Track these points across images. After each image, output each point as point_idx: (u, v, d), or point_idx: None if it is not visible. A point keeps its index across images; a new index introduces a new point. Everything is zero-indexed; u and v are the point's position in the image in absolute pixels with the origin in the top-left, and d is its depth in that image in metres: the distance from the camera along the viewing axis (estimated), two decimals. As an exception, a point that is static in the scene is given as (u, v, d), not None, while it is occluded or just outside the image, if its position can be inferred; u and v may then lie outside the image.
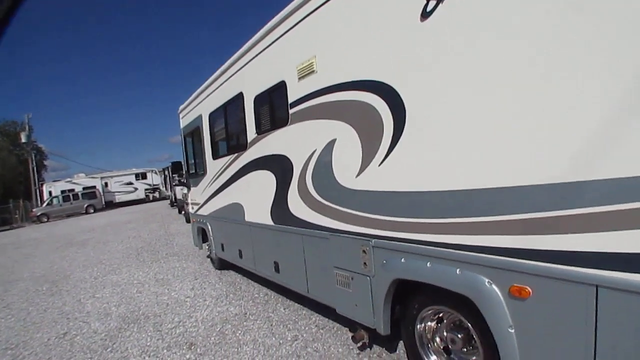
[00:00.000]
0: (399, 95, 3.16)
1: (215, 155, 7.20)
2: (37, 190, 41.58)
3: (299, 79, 4.37)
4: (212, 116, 7.14)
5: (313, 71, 4.15)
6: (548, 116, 2.21)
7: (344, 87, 3.74)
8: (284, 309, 5.67)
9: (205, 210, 8.09)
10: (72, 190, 39.17)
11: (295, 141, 4.59)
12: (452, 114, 2.76)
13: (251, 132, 5.58)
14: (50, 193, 39.15)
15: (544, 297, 2.33)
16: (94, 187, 40.19)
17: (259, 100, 5.32)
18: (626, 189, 1.92)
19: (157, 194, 44.50)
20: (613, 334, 2.06)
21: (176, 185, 21.34)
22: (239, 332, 5.03)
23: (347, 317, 4.18)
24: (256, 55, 5.24)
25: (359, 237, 3.73)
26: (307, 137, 4.34)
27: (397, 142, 3.23)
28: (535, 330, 2.42)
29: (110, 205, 41.33)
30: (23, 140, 42.59)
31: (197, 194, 8.61)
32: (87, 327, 5.87)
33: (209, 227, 8.06)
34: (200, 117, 7.72)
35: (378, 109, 3.37)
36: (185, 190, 18.11)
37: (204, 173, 7.84)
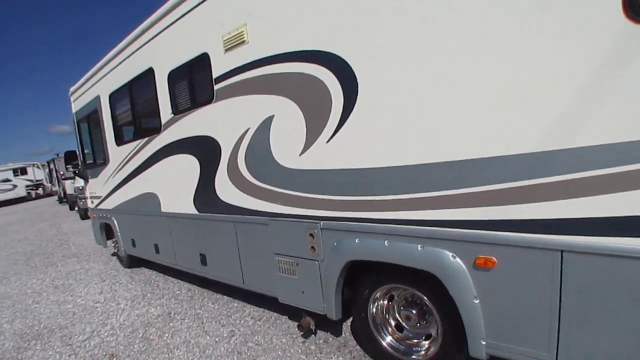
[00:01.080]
0: (350, 68, 2.94)
1: (120, 142, 6.40)
2: None
3: (226, 50, 3.92)
4: (114, 97, 6.31)
5: (243, 41, 3.72)
6: (512, 87, 2.18)
7: (284, 58, 3.40)
8: (212, 303, 5.21)
9: (109, 204, 7.23)
10: None
11: (223, 120, 4.13)
12: (410, 84, 2.62)
13: (165, 113, 4.98)
14: None
15: (510, 266, 2.35)
16: (-37, 186, 35.26)
17: (174, 76, 4.73)
18: (587, 158, 1.98)
19: (40, 191, 40.21)
20: (577, 297, 2.13)
21: (65, 179, 19.36)
22: (166, 335, 4.50)
23: (290, 305, 3.91)
24: (171, 24, 4.63)
25: (305, 220, 3.47)
26: (238, 115, 3.93)
27: (347, 116, 3.01)
28: (500, 298, 2.45)
29: (-16, 205, 36.53)
30: None
31: (97, 186, 7.66)
32: (-27, 351, 4.91)
33: (115, 222, 7.22)
34: (97, 99, 6.81)
35: (325, 82, 3.11)
36: (77, 183, 16.46)
37: (106, 162, 6.97)
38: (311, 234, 3.44)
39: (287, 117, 3.42)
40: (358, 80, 2.89)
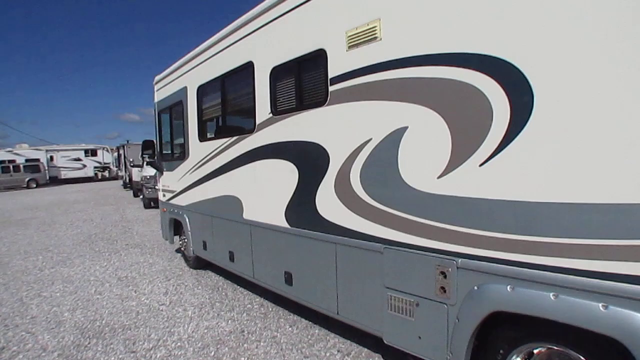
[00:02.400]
0: (525, 79, 2.31)
1: (203, 137, 6.07)
2: (-27, 159, 38.16)
3: (350, 47, 3.39)
4: (202, 90, 5.99)
5: (375, 38, 3.18)
6: None
7: (429, 60, 2.81)
8: (290, 326, 4.66)
9: (182, 200, 6.93)
10: (13, 161, 35.95)
11: (336, 127, 3.60)
12: (609, 102, 2.03)
13: (263, 112, 4.53)
14: (-13, 163, 35.81)
15: None
16: (38, 160, 37.26)
17: (278, 72, 4.28)
18: None
19: (106, 173, 41.96)
20: None
21: (134, 166, 19.77)
22: (242, 359, 3.98)
23: (397, 348, 3.29)
24: (280, 16, 4.18)
25: (436, 254, 2.86)
26: (358, 123, 3.38)
27: (514, 137, 2.39)
28: None
29: (55, 181, 38.44)
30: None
31: (171, 180, 7.41)
32: (33, 341, 4.63)
33: (187, 220, 6.90)
34: (184, 90, 6.54)
35: (486, 92, 2.49)
36: (144, 172, 16.68)
37: (184, 156, 6.67)
38: (443, 272, 2.81)
39: (426, 131, 2.83)
40: (535, 94, 2.25)
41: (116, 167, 41.01)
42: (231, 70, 5.16)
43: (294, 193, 4.15)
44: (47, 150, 39.57)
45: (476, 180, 2.56)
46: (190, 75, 6.36)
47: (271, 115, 4.41)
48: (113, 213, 15.70)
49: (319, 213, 3.87)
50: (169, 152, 7.68)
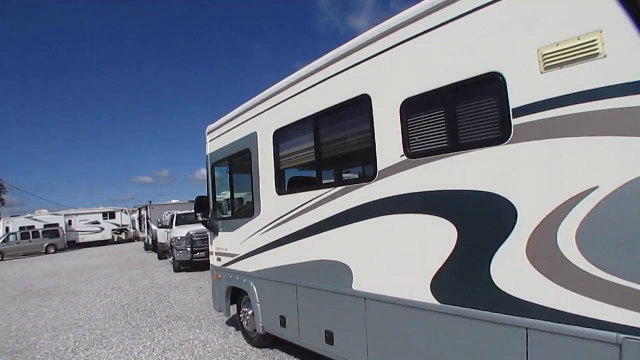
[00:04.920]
0: None
1: (283, 190, 5.08)
2: (-7, 226, 37.70)
3: (547, 68, 2.46)
4: (282, 134, 5.08)
5: (595, 54, 2.27)
6: None
7: None
8: None
9: (247, 265, 5.85)
10: (32, 227, 35.34)
11: (529, 171, 2.61)
12: None
13: (389, 155, 3.57)
14: (7, 229, 35.19)
15: None
16: (57, 224, 36.67)
17: (414, 104, 3.36)
18: None
19: (123, 235, 41.16)
20: None
21: (161, 227, 18.76)
22: None
23: None
24: (414, 37, 3.30)
25: None
26: (569, 165, 2.37)
27: None
28: None
29: (73, 245, 37.58)
30: (-19, 170, 39.38)
31: (230, 242, 6.36)
32: None
33: (254, 290, 5.76)
34: (252, 137, 5.64)
35: None
36: (174, 233, 15.65)
37: (252, 214, 5.66)
38: None
39: None
40: None
41: (133, 228, 40.29)
42: (330, 108, 4.25)
43: (449, 259, 3.07)
44: (65, 215, 39.05)
45: None
46: (261, 119, 5.48)
47: (405, 158, 3.41)
48: (141, 278, 14.52)
49: (495, 286, 2.77)
50: (228, 209, 6.69)
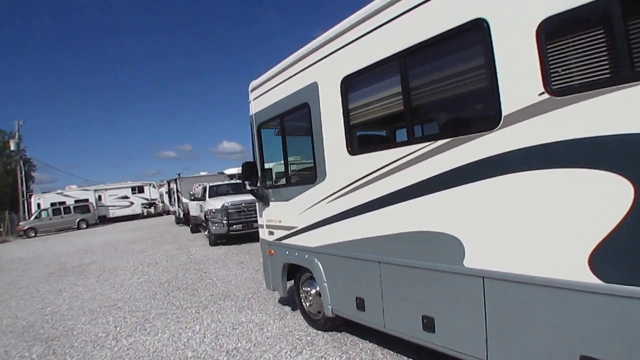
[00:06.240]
0: None
1: (357, 149, 4.18)
2: (25, 202, 38.22)
3: None
4: (353, 81, 4.13)
5: None
6: None
7: None
8: None
9: (309, 239, 5.01)
10: (63, 203, 35.59)
11: None
12: None
13: (518, 93, 2.69)
14: (39, 205, 35.55)
15: None
16: (87, 200, 36.91)
17: (563, 24, 2.45)
18: None
19: (152, 210, 41.25)
20: None
21: (194, 199, 18.16)
22: None
23: None
24: None
25: None
26: None
27: None
28: None
29: (104, 220, 37.85)
30: (12, 148, 39.86)
31: (285, 213, 5.52)
32: None
33: (319, 267, 4.93)
34: (312, 88, 4.71)
35: None
36: (208, 206, 15.00)
37: (314, 179, 4.78)
38: None
39: None
40: None
41: (162, 202, 40.32)
42: (425, 42, 3.28)
43: (621, 226, 2.16)
44: (95, 190, 39.22)
45: None
46: (324, 66, 4.52)
47: (546, 96, 2.46)
48: (177, 253, 13.98)
49: None
50: (281, 176, 5.84)
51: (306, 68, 4.84)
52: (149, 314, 7.09)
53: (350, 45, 4.11)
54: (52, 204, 34.96)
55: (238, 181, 21.10)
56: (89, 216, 35.05)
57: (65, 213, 33.81)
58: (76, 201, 36.14)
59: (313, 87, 4.69)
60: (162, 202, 41.08)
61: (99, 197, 38.96)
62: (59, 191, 38.78)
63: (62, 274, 12.41)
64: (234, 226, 13.81)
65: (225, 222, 13.75)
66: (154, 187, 42.55)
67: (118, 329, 6.45)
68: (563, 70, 2.46)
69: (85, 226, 33.90)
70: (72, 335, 6.42)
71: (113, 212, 39.41)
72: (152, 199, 41.81)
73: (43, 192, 40.03)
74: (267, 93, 5.79)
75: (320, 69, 4.58)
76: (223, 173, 27.40)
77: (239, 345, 5.21)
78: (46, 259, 16.38)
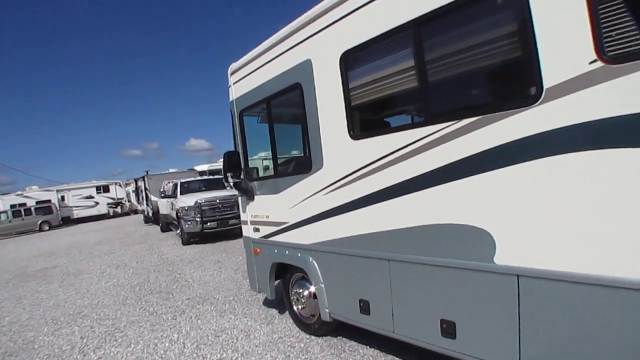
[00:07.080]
0: None
1: (360, 132, 3.69)
2: (-19, 205, 36.22)
3: None
4: (355, 56, 3.64)
5: None
6: None
7: None
8: None
9: (302, 236, 4.51)
10: (24, 204, 33.93)
11: None
12: None
13: (563, 63, 2.27)
14: (-4, 208, 33.77)
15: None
16: (50, 201, 35.19)
17: None
18: None
19: (119, 209, 39.89)
20: None
21: (164, 197, 17.32)
22: None
23: None
24: None
25: None
26: None
27: None
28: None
29: (68, 221, 36.27)
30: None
31: (274, 207, 5.00)
32: None
33: (315, 266, 4.43)
34: (305, 67, 4.19)
35: None
36: (180, 203, 14.24)
37: (308, 168, 4.28)
38: None
39: None
40: None
41: (129, 201, 39.02)
42: (443, 7, 2.82)
43: None
44: (57, 191, 37.51)
45: None
46: (319, 40, 4.01)
47: (599, 64, 2.06)
48: (148, 254, 13.18)
49: None
50: (268, 166, 5.31)
51: (297, 45, 4.32)
52: (120, 322, 6.42)
53: (349, 16, 3.61)
54: (12, 206, 33.33)
55: (209, 177, 20.40)
56: (52, 217, 33.53)
57: (26, 215, 32.26)
58: (37, 202, 34.51)
59: (306, 66, 4.17)
60: (129, 201, 39.80)
61: (62, 197, 37.32)
62: (19, 192, 37.05)
63: (22, 279, 11.48)
64: (208, 224, 13.17)
65: (198, 219, 13.09)
66: (120, 186, 41.13)
67: (85, 340, 5.78)
68: (620, 34, 2.04)
69: (47, 228, 32.42)
70: (32, 349, 5.71)
71: (77, 213, 37.83)
72: (118, 199, 40.39)
73: (2, 194, 38.07)
74: (250, 75, 5.23)
75: (315, 44, 4.07)
76: (194, 170, 26.50)
77: (225, 355, 4.66)
78: (4, 264, 15.27)
